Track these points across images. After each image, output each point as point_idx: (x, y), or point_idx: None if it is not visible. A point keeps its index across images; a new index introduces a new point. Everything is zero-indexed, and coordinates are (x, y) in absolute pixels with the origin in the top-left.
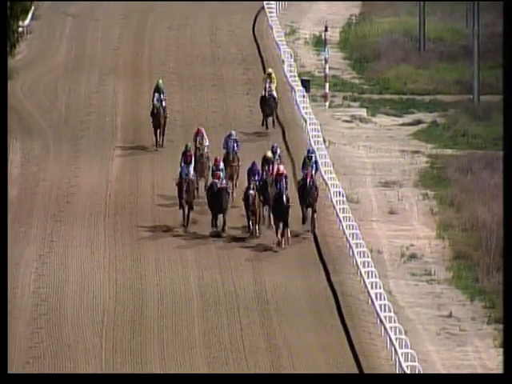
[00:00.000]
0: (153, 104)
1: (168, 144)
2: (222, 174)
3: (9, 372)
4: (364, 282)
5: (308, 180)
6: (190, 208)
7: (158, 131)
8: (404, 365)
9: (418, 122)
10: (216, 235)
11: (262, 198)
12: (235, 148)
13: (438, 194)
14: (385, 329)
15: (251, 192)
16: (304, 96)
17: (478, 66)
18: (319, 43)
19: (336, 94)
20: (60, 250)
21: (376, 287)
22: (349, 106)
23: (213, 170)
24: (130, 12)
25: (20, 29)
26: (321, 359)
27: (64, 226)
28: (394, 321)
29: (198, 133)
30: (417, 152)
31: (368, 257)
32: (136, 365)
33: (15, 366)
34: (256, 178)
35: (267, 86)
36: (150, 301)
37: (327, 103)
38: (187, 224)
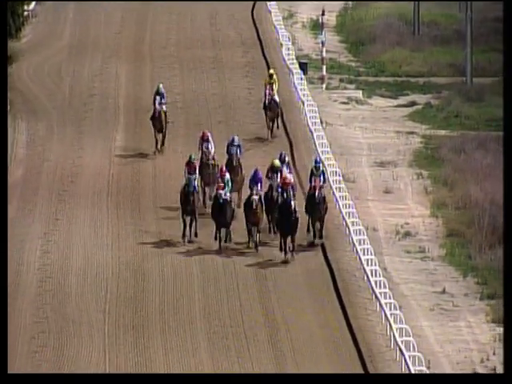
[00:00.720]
0: (154, 107)
1: (169, 126)
2: (226, 185)
3: (9, 372)
4: (360, 259)
5: (317, 192)
6: (194, 219)
7: (159, 135)
8: (399, 340)
9: (413, 103)
10: (220, 247)
11: (265, 207)
12: (238, 154)
13: (432, 174)
14: (380, 304)
15: (254, 197)
16: (302, 78)
17: (470, 50)
18: (316, 27)
19: (333, 76)
20: (64, 228)
21: (371, 264)
22: (345, 88)
23: (218, 180)
24: None
25: (25, 13)
26: (318, 334)
27: (68, 205)
28: (389, 297)
29: (203, 137)
30: (411, 133)
31: (364, 235)
32: (138, 339)
33: (21, 342)
34: (259, 186)
35: (268, 91)
36: (151, 278)
37: (324, 85)
38: (190, 236)
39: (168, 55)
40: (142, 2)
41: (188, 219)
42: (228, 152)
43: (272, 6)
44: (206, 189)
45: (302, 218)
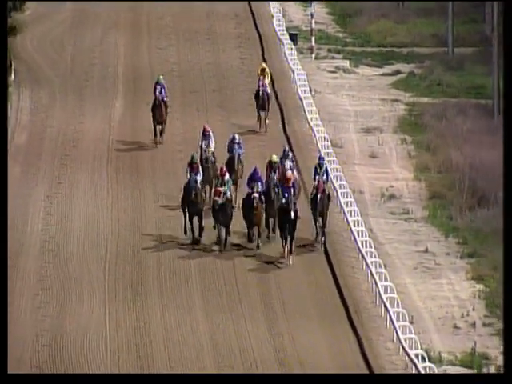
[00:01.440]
0: (155, 96)
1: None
2: (225, 187)
3: (9, 372)
4: (347, 220)
5: (320, 191)
6: (200, 219)
7: (158, 126)
8: (383, 296)
9: (397, 72)
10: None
11: (265, 205)
12: (239, 152)
13: (415, 139)
14: (366, 263)
15: (255, 195)
16: (292, 49)
17: (452, 21)
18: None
19: (321, 46)
20: (66, 191)
21: (358, 225)
22: (333, 58)
23: (217, 182)
24: None
25: None
26: (307, 291)
27: (70, 169)
28: (375, 256)
29: (204, 132)
30: (396, 100)
31: (351, 197)
32: (136, 296)
33: (25, 298)
34: (258, 185)
35: (260, 82)
36: (149, 238)
37: (313, 55)
38: (193, 239)
39: (165, 26)
40: None
41: (194, 219)
42: (229, 150)
43: None
44: (206, 186)
45: (307, 219)
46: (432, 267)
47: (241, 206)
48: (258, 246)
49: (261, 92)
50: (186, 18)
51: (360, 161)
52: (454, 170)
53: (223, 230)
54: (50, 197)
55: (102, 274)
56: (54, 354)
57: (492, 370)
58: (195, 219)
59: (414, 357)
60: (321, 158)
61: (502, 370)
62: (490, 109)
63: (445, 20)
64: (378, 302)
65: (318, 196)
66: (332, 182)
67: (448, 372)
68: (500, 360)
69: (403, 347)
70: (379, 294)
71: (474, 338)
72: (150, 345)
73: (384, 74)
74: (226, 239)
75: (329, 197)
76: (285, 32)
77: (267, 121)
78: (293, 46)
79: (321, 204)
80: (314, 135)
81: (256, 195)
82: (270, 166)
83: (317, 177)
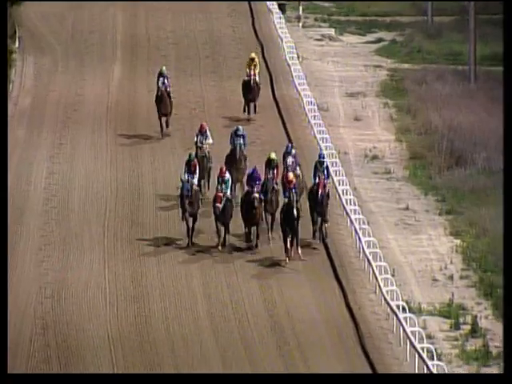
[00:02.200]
0: (158, 87)
1: (161, 58)
2: (225, 187)
3: (9, 372)
4: (332, 179)
5: (320, 189)
6: (194, 220)
7: (163, 118)
8: (367, 251)
9: (380, 40)
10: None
11: (263, 204)
12: (242, 145)
13: (397, 103)
14: (350, 220)
15: (255, 195)
16: (280, 17)
17: None
18: None
19: (308, 15)
20: (68, 152)
21: (343, 184)
22: (319, 27)
23: (218, 182)
24: None
25: None
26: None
27: (71, 131)
28: (359, 213)
29: (201, 129)
30: (378, 66)
31: (336, 158)
32: (134, 250)
33: (29, 253)
34: (257, 184)
35: (250, 71)
36: (146, 196)
37: (300, 24)
38: (191, 238)
39: None
40: None
41: (190, 220)
42: (232, 143)
43: None
44: (202, 181)
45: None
46: (412, 223)
47: (240, 204)
48: (256, 245)
49: (251, 85)
50: None
51: (345, 123)
52: (433, 131)
53: (222, 229)
54: (53, 157)
55: (101, 230)
56: (56, 305)
57: (468, 320)
58: (191, 221)
59: (395, 307)
60: (321, 156)
61: (477, 320)
62: (466, 74)
63: None
64: (361, 256)
65: (319, 192)
66: (317, 140)
67: (429, 324)
68: (476, 310)
69: (385, 298)
70: (363, 248)
71: (452, 290)
72: (147, 296)
73: (367, 42)
74: (225, 238)
75: (328, 195)
76: (274, 2)
77: (256, 113)
78: (281, 15)
79: (321, 201)
80: (301, 99)
81: (256, 195)
82: (269, 163)
83: (317, 174)
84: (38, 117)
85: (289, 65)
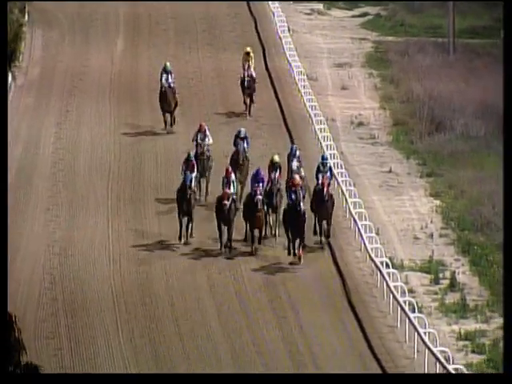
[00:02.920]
0: (161, 83)
1: (161, 32)
2: (232, 188)
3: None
4: (321, 144)
5: (324, 190)
6: (190, 220)
7: (167, 115)
8: (353, 211)
9: (365, 14)
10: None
11: (268, 206)
12: (245, 147)
13: (381, 73)
14: (337, 182)
15: (259, 197)
16: None
17: None
18: None
19: None
20: (74, 119)
21: (331, 149)
22: (309, 1)
23: (223, 183)
24: None
25: None
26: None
27: (77, 99)
28: (345, 176)
29: (200, 129)
30: (364, 39)
31: (324, 124)
32: (136, 210)
33: (38, 212)
34: (261, 185)
35: (246, 66)
36: (147, 159)
37: None
38: (186, 237)
39: None
40: None
41: (185, 220)
42: (235, 145)
43: None
44: (202, 180)
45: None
46: (395, 185)
47: (243, 205)
48: (255, 249)
49: (246, 79)
50: None
51: (332, 92)
52: (414, 100)
53: (225, 229)
54: (60, 124)
55: (105, 191)
56: (63, 261)
57: (447, 275)
58: (185, 220)
59: (379, 264)
60: (324, 158)
61: (456, 276)
62: (446, 46)
63: None
64: (348, 216)
65: (324, 192)
66: (307, 108)
67: (410, 279)
68: (454, 266)
69: (370, 255)
70: (349, 209)
71: (432, 247)
72: (148, 254)
73: (353, 16)
74: (230, 239)
75: (332, 197)
76: None
77: (253, 104)
78: None
79: (324, 202)
80: (292, 70)
81: (260, 197)
82: (272, 165)
83: (319, 175)
84: (46, 86)
85: (280, 37)
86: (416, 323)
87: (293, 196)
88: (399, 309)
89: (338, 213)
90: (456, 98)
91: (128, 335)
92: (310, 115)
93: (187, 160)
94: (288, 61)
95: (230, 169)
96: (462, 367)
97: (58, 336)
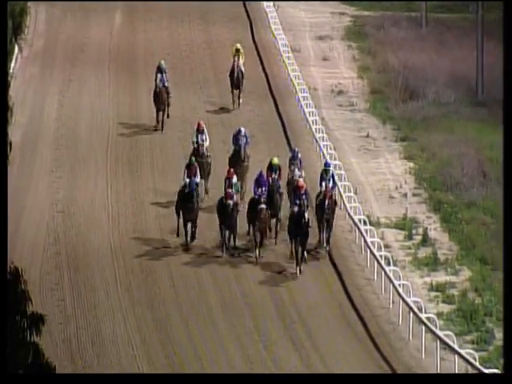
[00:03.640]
0: (155, 84)
1: (156, 6)
2: (234, 189)
3: (8, 371)
4: (303, 111)
5: (327, 197)
6: (193, 226)
7: (161, 112)
8: (334, 173)
9: None
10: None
11: (268, 210)
12: (245, 145)
13: (359, 45)
14: (319, 146)
15: (262, 206)
16: None
17: None
18: None
19: None
20: (75, 87)
21: (313, 115)
22: None
23: (225, 184)
24: None
25: None
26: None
27: (78, 69)
28: (326, 140)
29: (198, 127)
30: (343, 13)
31: (307, 93)
32: (132, 172)
33: (43, 173)
34: (263, 189)
35: (235, 63)
36: (143, 125)
37: None
38: (186, 242)
39: None
40: None
41: (188, 225)
42: (234, 143)
43: None
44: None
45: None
46: (372, 149)
47: (246, 208)
48: (259, 254)
49: (235, 72)
50: None
51: (314, 63)
52: (390, 70)
53: (227, 233)
54: (63, 91)
55: (104, 154)
56: (66, 219)
57: (420, 231)
58: (189, 225)
59: (357, 221)
60: (327, 164)
61: (427, 232)
62: (418, 21)
63: None
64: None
65: (326, 202)
66: (290, 78)
67: (386, 235)
68: (426, 223)
69: (349, 213)
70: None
71: (406, 206)
72: (144, 212)
73: None
74: (235, 241)
75: (335, 203)
76: None
77: (241, 99)
78: None
79: (327, 210)
80: (277, 42)
81: (263, 206)
82: (270, 167)
83: (323, 183)
84: (49, 57)
85: (266, 12)
86: (391, 276)
87: (297, 201)
88: (376, 262)
89: (318, 173)
90: (428, 68)
91: (126, 287)
92: (293, 84)
93: (189, 165)
94: (273, 33)
95: (232, 170)
96: (433, 316)
97: (61, 288)
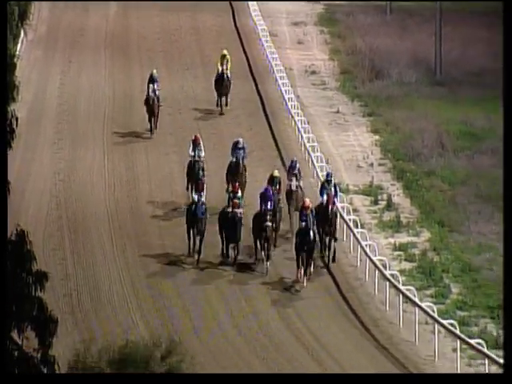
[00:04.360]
0: (148, 94)
1: None
2: (239, 201)
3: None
4: (280, 89)
5: (330, 207)
6: (201, 239)
7: (152, 119)
8: (307, 145)
9: None
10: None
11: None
12: (243, 157)
13: (330, 30)
14: (294, 121)
15: (268, 223)
16: None
17: None
18: None
19: None
20: (75, 68)
21: (289, 93)
22: None
23: (229, 198)
24: None
25: None
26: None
27: (78, 51)
28: (301, 115)
29: (195, 141)
30: (316, 2)
31: (283, 73)
32: (128, 145)
33: (46, 146)
34: (269, 205)
35: (222, 67)
36: (137, 100)
37: None
38: (198, 255)
39: None
40: None
41: (197, 239)
42: (233, 155)
43: None
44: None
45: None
46: (342, 123)
47: (252, 223)
48: (266, 270)
49: (223, 79)
50: None
51: (290, 46)
52: (358, 52)
53: (231, 247)
54: (64, 72)
55: (101, 128)
56: (67, 186)
57: (384, 197)
58: (197, 239)
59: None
60: (328, 175)
61: (391, 197)
62: (383, 8)
63: None
64: (303, 148)
65: (329, 207)
66: (269, 59)
67: (354, 201)
68: (390, 190)
69: (321, 181)
70: (304, 143)
71: (372, 174)
72: (137, 181)
73: None
74: (236, 257)
75: (336, 214)
76: None
77: (228, 106)
78: None
79: (331, 218)
80: (257, 27)
81: (269, 224)
82: (272, 180)
83: (324, 192)
84: (52, 40)
85: (248, 4)
86: (359, 237)
87: (304, 218)
88: (345, 225)
89: (293, 146)
90: (392, 51)
91: (121, 248)
92: (271, 65)
93: (196, 180)
94: (253, 20)
95: (237, 185)
96: (396, 273)
97: (63, 248)
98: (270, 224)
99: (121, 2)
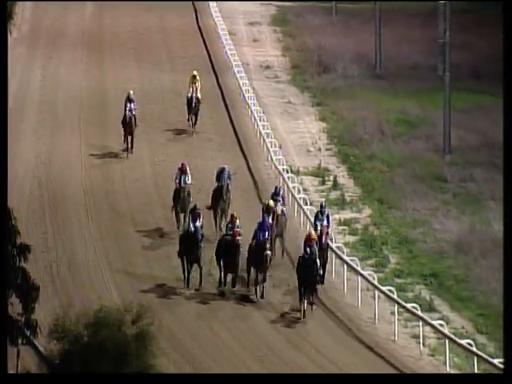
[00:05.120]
0: (124, 114)
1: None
2: (240, 231)
3: (9, 372)
4: (239, 83)
5: (323, 238)
6: (199, 266)
7: (128, 138)
8: (263, 131)
9: None
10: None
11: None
12: (228, 182)
13: (283, 30)
14: (251, 111)
15: (268, 252)
16: None
17: None
18: None
19: None
20: (55, 63)
21: (246, 85)
22: None
23: (228, 227)
24: None
25: None
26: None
27: (58, 48)
28: (257, 105)
29: (182, 168)
30: (269, 4)
31: (241, 67)
32: (103, 131)
33: (29, 133)
34: (266, 234)
35: (192, 88)
36: (111, 92)
37: None
38: (188, 284)
39: None
40: None
41: (192, 266)
42: (218, 180)
43: None
44: (181, 215)
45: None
46: (293, 112)
47: (248, 252)
48: (262, 295)
49: (192, 100)
50: None
51: (247, 43)
52: (307, 49)
53: (229, 274)
54: (45, 66)
55: (78, 117)
56: (48, 169)
57: (331, 178)
58: (195, 266)
59: (281, 170)
60: (322, 206)
61: (337, 179)
62: (330, 10)
63: None
64: (258, 135)
65: (323, 238)
66: (228, 55)
67: (304, 182)
68: (336, 171)
69: (275, 164)
70: (259, 130)
71: (320, 158)
72: (111, 163)
73: None
74: (234, 282)
75: (328, 245)
76: None
77: (196, 126)
78: None
79: (322, 250)
80: (217, 26)
81: (269, 253)
82: (267, 211)
83: (318, 222)
84: (34, 38)
85: (208, 3)
86: (308, 214)
87: (308, 250)
88: (296, 203)
89: (250, 134)
90: (337, 48)
91: (96, 222)
92: (230, 61)
93: (193, 210)
94: (214, 20)
95: (235, 214)
96: (341, 245)
97: (44, 223)
98: (269, 253)
99: (97, 2)
